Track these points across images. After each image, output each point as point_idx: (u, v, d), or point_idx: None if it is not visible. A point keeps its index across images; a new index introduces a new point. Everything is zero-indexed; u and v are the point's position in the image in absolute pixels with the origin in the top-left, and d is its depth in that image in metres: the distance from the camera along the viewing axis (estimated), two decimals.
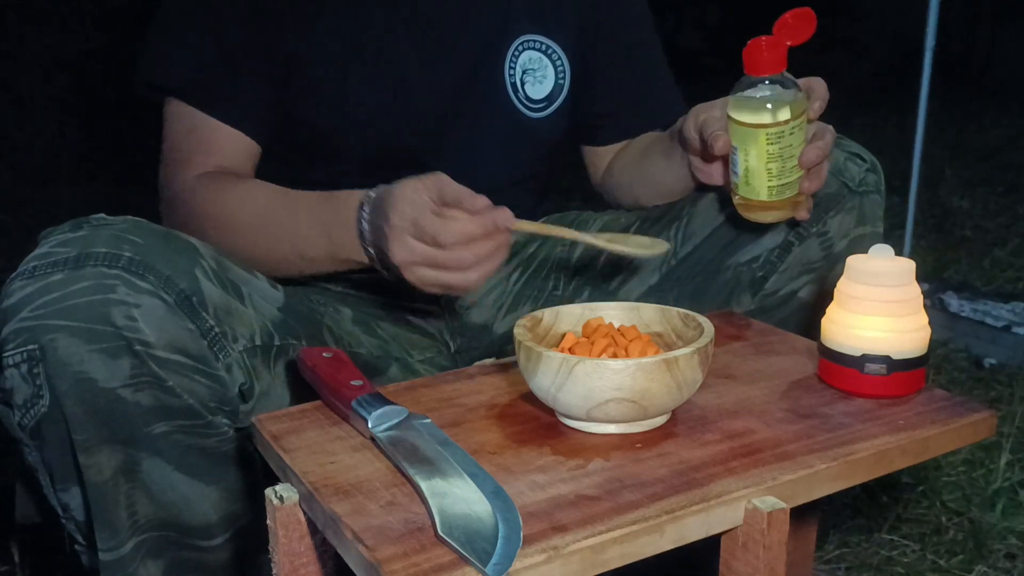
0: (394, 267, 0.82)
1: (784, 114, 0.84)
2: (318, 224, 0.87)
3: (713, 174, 0.95)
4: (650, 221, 1.09)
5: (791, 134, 0.85)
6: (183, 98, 0.97)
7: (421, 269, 0.80)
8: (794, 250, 0.97)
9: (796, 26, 0.84)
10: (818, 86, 0.88)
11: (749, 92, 0.86)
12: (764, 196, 0.88)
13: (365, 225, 0.83)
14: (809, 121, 0.87)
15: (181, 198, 0.96)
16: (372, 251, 0.84)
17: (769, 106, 0.85)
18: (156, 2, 0.99)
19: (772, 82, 0.85)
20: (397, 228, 0.79)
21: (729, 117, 0.87)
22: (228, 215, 0.92)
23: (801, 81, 0.88)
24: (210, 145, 0.97)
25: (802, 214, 0.90)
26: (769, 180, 0.87)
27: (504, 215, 0.79)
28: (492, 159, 1.07)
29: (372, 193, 0.84)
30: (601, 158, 1.20)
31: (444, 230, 0.77)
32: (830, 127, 0.89)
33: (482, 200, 0.79)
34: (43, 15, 3.74)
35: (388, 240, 0.80)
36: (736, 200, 0.91)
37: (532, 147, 1.11)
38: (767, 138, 0.85)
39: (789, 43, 0.84)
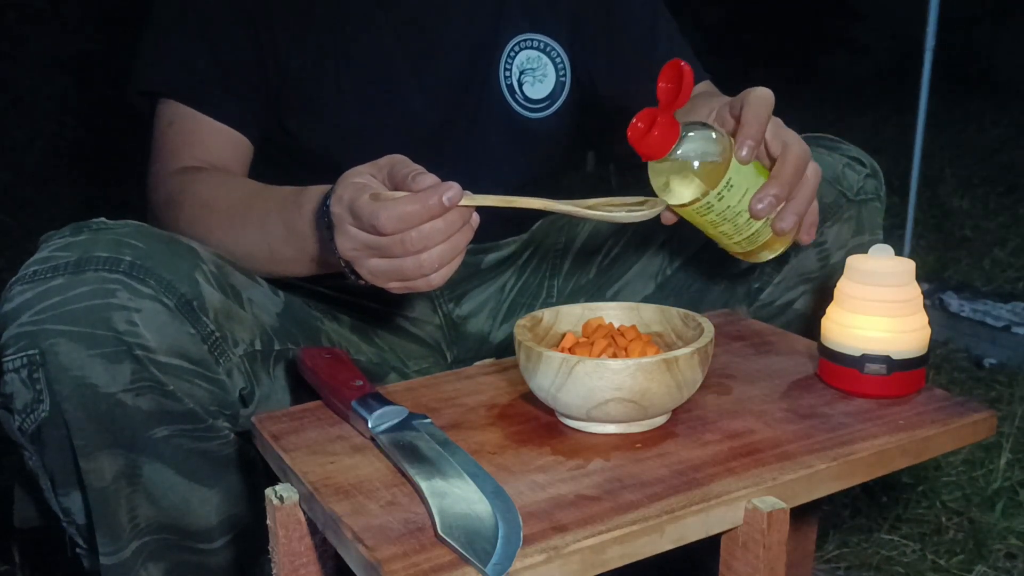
0: (348, 262, 0.74)
1: (695, 189, 0.76)
2: (283, 219, 0.82)
3: None
4: (648, 228, 1.09)
5: (720, 198, 0.77)
6: (171, 96, 0.96)
7: (370, 261, 0.72)
8: (790, 261, 0.96)
9: (672, 88, 0.75)
10: (750, 123, 0.77)
11: (657, 173, 0.78)
12: (738, 251, 0.83)
13: (325, 219, 0.75)
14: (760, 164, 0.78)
15: (161, 186, 0.94)
16: (334, 245, 0.75)
17: (676, 186, 0.77)
18: (153, 6, 0.99)
19: (676, 155, 0.76)
20: (337, 216, 0.72)
21: (668, 207, 0.80)
22: (202, 203, 0.89)
23: (743, 111, 0.78)
24: (197, 139, 0.95)
25: (802, 238, 0.82)
26: (731, 239, 0.81)
27: (451, 191, 0.68)
28: (493, 164, 1.06)
29: None
30: None
31: (381, 213, 0.68)
32: (792, 163, 0.77)
33: (429, 178, 0.69)
34: (43, 15, 3.73)
35: (334, 231, 0.73)
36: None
37: (535, 149, 1.09)
38: (697, 212, 0.78)
39: (671, 108, 0.74)
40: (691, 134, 0.77)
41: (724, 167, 0.76)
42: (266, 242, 0.84)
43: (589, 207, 0.74)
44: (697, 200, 0.77)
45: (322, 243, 0.77)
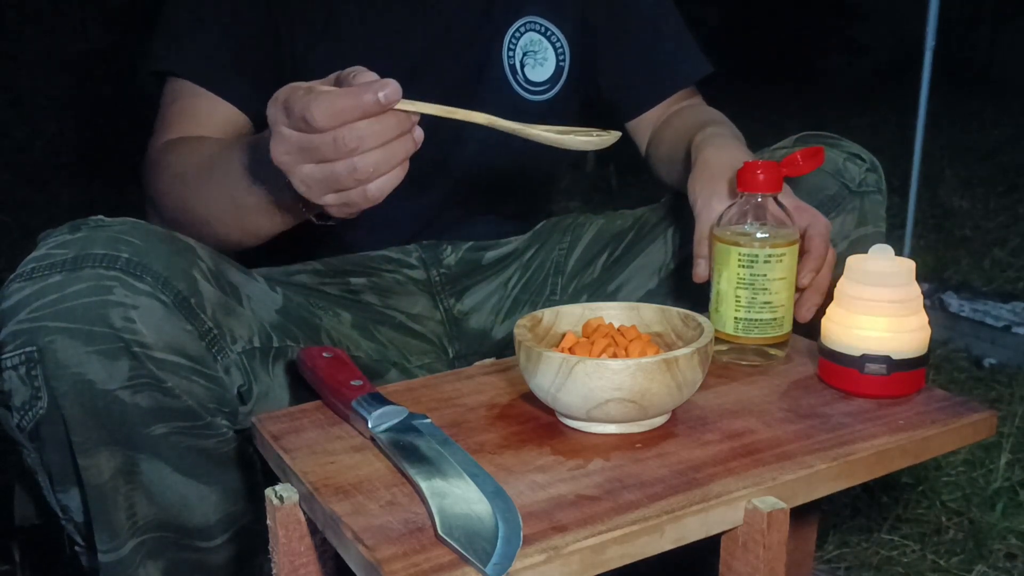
0: (282, 175, 0.69)
1: (763, 235, 0.80)
2: (244, 163, 0.80)
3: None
4: (649, 226, 1.09)
5: (766, 262, 0.79)
6: (178, 74, 0.97)
7: (303, 167, 0.68)
8: None
9: (802, 165, 0.81)
10: (815, 249, 0.82)
11: (734, 209, 0.82)
12: (730, 328, 0.82)
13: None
14: (798, 288, 0.82)
15: (150, 159, 0.95)
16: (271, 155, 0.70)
17: (747, 226, 0.80)
18: (158, 2, 1.00)
19: (762, 205, 0.81)
20: (271, 118, 0.68)
21: (712, 234, 0.83)
22: (174, 172, 0.89)
23: (813, 241, 0.83)
24: (194, 114, 0.96)
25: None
26: (736, 309, 0.81)
27: (388, 88, 0.64)
28: (492, 146, 1.05)
29: None
30: (640, 131, 1.16)
31: (313, 104, 0.64)
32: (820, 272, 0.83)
33: (369, 75, 0.66)
34: (43, 15, 3.74)
35: (270, 138, 0.69)
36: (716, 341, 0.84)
37: None
38: (739, 258, 0.80)
39: (787, 173, 0.81)
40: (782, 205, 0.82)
41: (791, 244, 0.80)
42: (229, 194, 0.83)
43: (541, 130, 0.73)
44: (753, 245, 0.79)
45: (277, 178, 0.73)
